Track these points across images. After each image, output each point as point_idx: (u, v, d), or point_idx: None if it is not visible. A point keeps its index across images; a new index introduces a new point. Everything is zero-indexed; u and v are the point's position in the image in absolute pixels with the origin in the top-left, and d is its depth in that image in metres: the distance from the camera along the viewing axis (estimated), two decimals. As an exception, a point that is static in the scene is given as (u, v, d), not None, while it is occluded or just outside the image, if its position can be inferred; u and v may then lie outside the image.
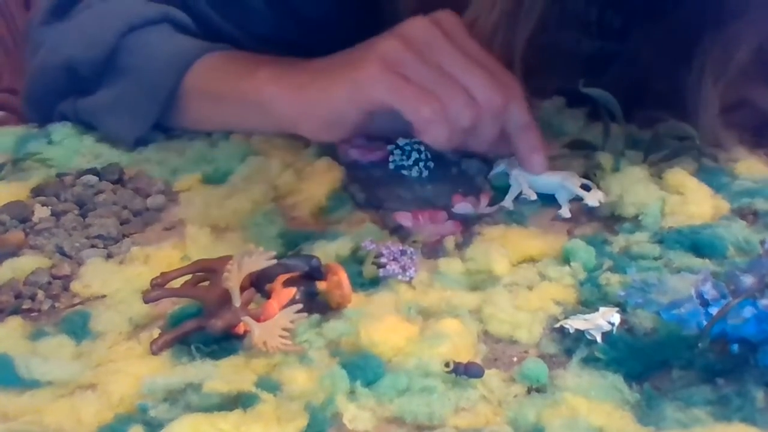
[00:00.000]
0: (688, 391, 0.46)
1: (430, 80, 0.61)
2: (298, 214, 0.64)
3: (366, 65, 0.62)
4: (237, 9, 0.77)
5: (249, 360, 0.48)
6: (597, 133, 0.70)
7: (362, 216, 0.63)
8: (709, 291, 0.47)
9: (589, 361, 0.48)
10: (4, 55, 1.32)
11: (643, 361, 0.48)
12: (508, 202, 0.63)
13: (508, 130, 0.64)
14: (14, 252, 0.60)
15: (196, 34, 0.77)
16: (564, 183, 0.63)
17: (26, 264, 0.58)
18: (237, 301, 0.49)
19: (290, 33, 0.77)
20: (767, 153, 0.70)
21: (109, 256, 0.60)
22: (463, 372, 0.46)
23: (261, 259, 0.50)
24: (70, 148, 0.74)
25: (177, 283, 0.53)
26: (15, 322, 0.53)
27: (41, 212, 0.65)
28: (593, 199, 0.62)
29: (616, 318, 0.50)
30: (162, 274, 0.53)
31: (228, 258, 0.51)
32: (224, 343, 0.50)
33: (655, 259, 0.57)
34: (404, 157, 0.68)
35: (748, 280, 0.46)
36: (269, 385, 0.46)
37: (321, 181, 0.66)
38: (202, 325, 0.49)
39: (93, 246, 0.61)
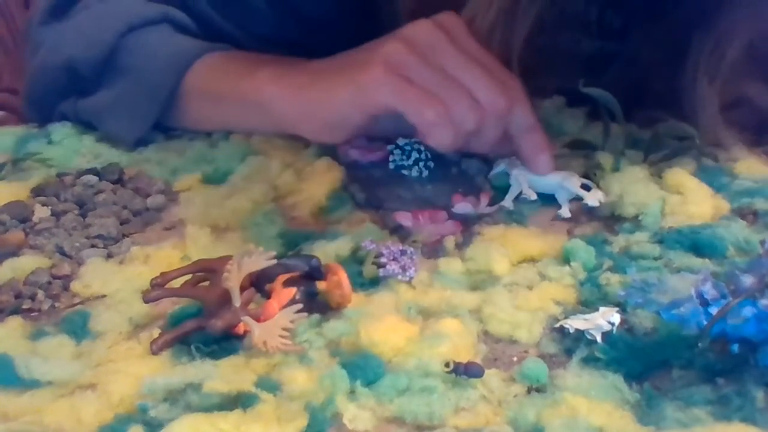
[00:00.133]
0: (688, 391, 0.46)
1: (434, 83, 0.61)
2: (298, 214, 0.64)
3: (369, 68, 0.62)
4: (237, 8, 0.77)
5: (249, 360, 0.48)
6: (597, 132, 0.70)
7: (362, 216, 0.63)
8: (709, 291, 0.47)
9: (589, 360, 0.48)
10: (4, 55, 1.32)
11: (643, 360, 0.48)
12: (508, 202, 0.63)
13: (512, 132, 0.64)
14: (14, 252, 0.60)
15: (196, 34, 0.77)
16: (564, 183, 0.63)
17: (26, 264, 0.58)
18: (237, 301, 0.49)
19: (290, 32, 0.77)
20: (767, 152, 0.70)
21: (109, 256, 0.60)
22: (463, 372, 0.46)
23: (261, 259, 0.50)
24: (70, 148, 0.74)
25: (177, 283, 0.53)
26: (15, 322, 0.53)
27: (41, 212, 0.65)
28: (593, 199, 0.62)
29: (616, 318, 0.50)
30: (162, 274, 0.53)
31: (228, 258, 0.51)
32: (224, 343, 0.50)
33: (655, 259, 0.57)
34: (404, 157, 0.68)
35: (748, 280, 0.46)
36: (269, 385, 0.46)
37: (321, 181, 0.66)
38: (202, 325, 0.49)
39: (93, 246, 0.61)
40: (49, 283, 0.56)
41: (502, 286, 0.55)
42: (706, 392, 0.45)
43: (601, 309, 0.51)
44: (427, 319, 0.52)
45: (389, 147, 0.69)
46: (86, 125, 0.76)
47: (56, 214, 0.64)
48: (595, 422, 0.44)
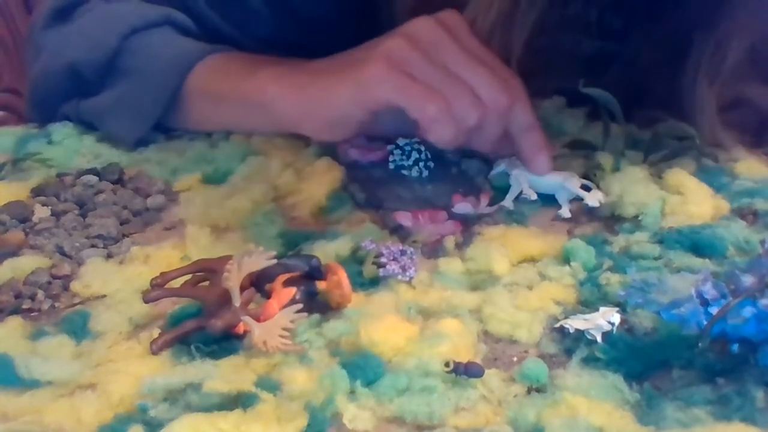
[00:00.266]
0: (688, 391, 0.46)
1: (436, 79, 0.61)
2: (298, 214, 0.64)
3: (371, 64, 0.62)
4: (236, 10, 0.77)
5: (249, 360, 0.48)
6: (597, 133, 0.70)
7: (362, 216, 0.63)
8: (709, 291, 0.47)
9: (589, 360, 0.48)
10: (4, 56, 1.32)
11: (643, 360, 0.48)
12: (508, 202, 0.64)
13: (512, 131, 0.64)
14: (14, 252, 0.60)
15: (198, 35, 0.77)
16: (564, 183, 0.63)
17: (26, 264, 0.58)
18: (237, 301, 0.49)
19: (290, 33, 0.77)
20: (767, 153, 0.70)
21: (109, 256, 0.60)
22: (463, 372, 0.46)
23: (261, 259, 0.50)
24: (70, 148, 0.74)
25: (177, 283, 0.53)
26: (15, 322, 0.53)
27: (41, 212, 0.65)
28: (593, 199, 0.62)
29: (616, 318, 0.50)
30: (162, 274, 0.53)
31: (228, 258, 0.51)
32: (224, 343, 0.50)
33: (655, 259, 0.57)
34: (404, 157, 0.68)
35: (748, 280, 0.46)
36: (269, 384, 0.46)
37: (321, 181, 0.66)
38: (202, 325, 0.49)
39: (93, 246, 0.61)
40: (49, 283, 0.56)
41: (502, 286, 0.55)
42: (706, 392, 0.45)
43: (601, 309, 0.51)
44: (427, 319, 0.52)
45: (389, 147, 0.69)
46: (87, 126, 0.77)
47: (56, 214, 0.64)
48: (595, 422, 0.44)
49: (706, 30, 0.67)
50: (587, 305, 0.53)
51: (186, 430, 0.43)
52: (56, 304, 0.55)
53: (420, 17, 0.64)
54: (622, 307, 0.51)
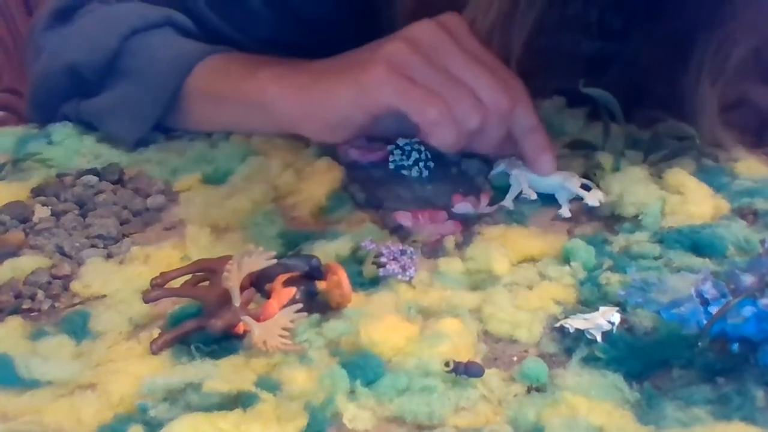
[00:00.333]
0: (688, 390, 0.46)
1: (437, 83, 0.61)
2: (298, 214, 0.64)
3: (372, 67, 0.62)
4: (237, 11, 0.77)
5: (249, 360, 0.48)
6: (597, 132, 0.70)
7: (362, 216, 0.63)
8: (709, 290, 0.47)
9: (589, 360, 0.48)
10: (4, 56, 1.32)
11: (643, 360, 0.48)
12: (508, 202, 0.63)
13: (515, 133, 0.64)
14: (14, 252, 0.60)
15: (198, 37, 0.77)
16: (564, 183, 0.63)
17: (26, 264, 0.58)
18: (237, 301, 0.49)
19: (290, 34, 0.77)
20: (767, 153, 0.70)
21: (109, 256, 0.60)
22: (463, 371, 0.46)
23: (261, 259, 0.50)
24: (70, 149, 0.74)
25: (177, 283, 0.53)
26: (15, 322, 0.53)
27: (41, 212, 0.65)
28: (593, 199, 0.62)
29: (616, 317, 0.50)
30: (162, 274, 0.53)
31: (228, 258, 0.51)
32: (224, 342, 0.50)
33: (655, 258, 0.57)
34: (404, 157, 0.68)
35: (748, 280, 0.46)
36: (269, 384, 0.46)
37: (321, 181, 0.66)
38: (202, 325, 0.49)
39: (93, 246, 0.61)
40: (49, 283, 0.56)
41: (502, 286, 0.55)
42: (706, 392, 0.45)
43: (601, 308, 0.51)
44: (427, 318, 0.52)
45: (389, 147, 0.69)
46: (87, 126, 0.77)
47: (56, 214, 0.64)
48: (595, 422, 0.44)
49: (709, 30, 0.67)
50: (587, 305, 0.53)
51: (186, 430, 0.43)
52: (56, 304, 0.55)
53: (421, 21, 0.64)
54: (622, 306, 0.51)
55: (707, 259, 0.56)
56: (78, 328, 0.52)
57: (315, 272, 0.52)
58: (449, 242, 0.59)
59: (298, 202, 0.65)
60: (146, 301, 0.51)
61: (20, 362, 0.49)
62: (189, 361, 0.48)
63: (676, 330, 0.48)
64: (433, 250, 0.59)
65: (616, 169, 0.65)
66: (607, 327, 0.49)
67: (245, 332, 0.50)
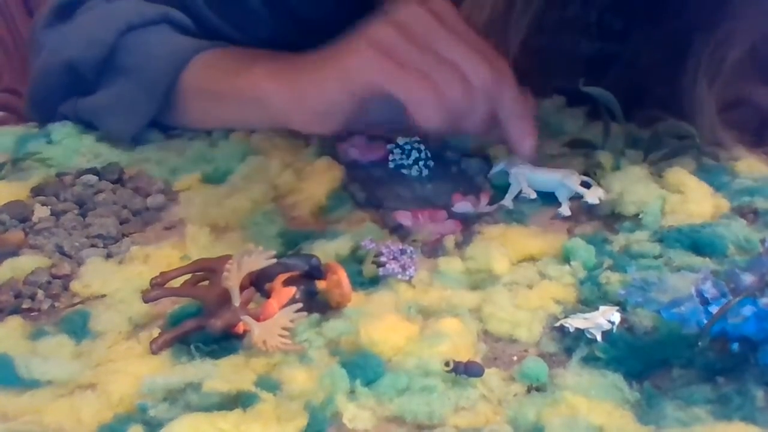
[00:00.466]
0: (689, 390, 0.45)
1: (423, 63, 0.61)
2: (298, 214, 0.64)
3: (357, 51, 0.62)
4: (235, 10, 0.77)
5: (249, 359, 0.48)
6: (597, 132, 0.70)
7: (362, 215, 0.63)
8: (709, 289, 0.47)
9: (589, 360, 0.48)
10: (4, 56, 1.32)
11: (643, 359, 0.48)
12: (507, 201, 0.63)
13: (500, 115, 0.64)
14: (14, 252, 0.60)
15: (196, 34, 0.77)
16: (564, 180, 0.63)
17: (26, 264, 0.58)
18: (237, 301, 0.49)
19: (289, 34, 0.77)
20: (767, 152, 0.70)
21: (109, 255, 0.60)
22: (463, 371, 0.46)
23: (261, 259, 0.50)
24: (69, 148, 0.74)
25: (177, 283, 0.53)
26: (15, 322, 0.53)
27: (41, 212, 0.65)
28: (593, 196, 0.62)
29: (616, 317, 0.50)
30: (161, 273, 0.53)
31: (228, 257, 0.51)
32: (224, 342, 0.50)
33: (655, 257, 0.57)
34: (404, 156, 0.68)
35: (748, 279, 0.46)
36: (269, 384, 0.46)
37: (321, 180, 0.66)
38: (201, 324, 0.49)
39: (93, 246, 0.61)
40: (49, 282, 0.56)
41: (502, 285, 0.55)
42: (706, 391, 0.45)
43: (601, 308, 0.51)
44: (427, 318, 0.52)
45: (389, 146, 0.69)
46: (86, 125, 0.77)
47: (56, 214, 0.64)
48: (595, 421, 0.44)
49: (706, 30, 0.67)
50: (587, 304, 0.53)
51: (186, 430, 0.43)
52: (56, 304, 0.55)
53: (407, 2, 0.64)
54: (622, 306, 0.51)
55: (707, 259, 0.56)
56: (78, 328, 0.52)
57: (315, 272, 0.52)
58: (449, 241, 0.59)
59: (298, 201, 0.65)
60: (146, 301, 0.51)
61: (20, 362, 0.49)
62: (189, 360, 0.48)
63: (676, 329, 0.48)
64: (433, 250, 0.59)
65: (616, 168, 0.66)
66: (607, 326, 0.49)
67: (245, 332, 0.50)
